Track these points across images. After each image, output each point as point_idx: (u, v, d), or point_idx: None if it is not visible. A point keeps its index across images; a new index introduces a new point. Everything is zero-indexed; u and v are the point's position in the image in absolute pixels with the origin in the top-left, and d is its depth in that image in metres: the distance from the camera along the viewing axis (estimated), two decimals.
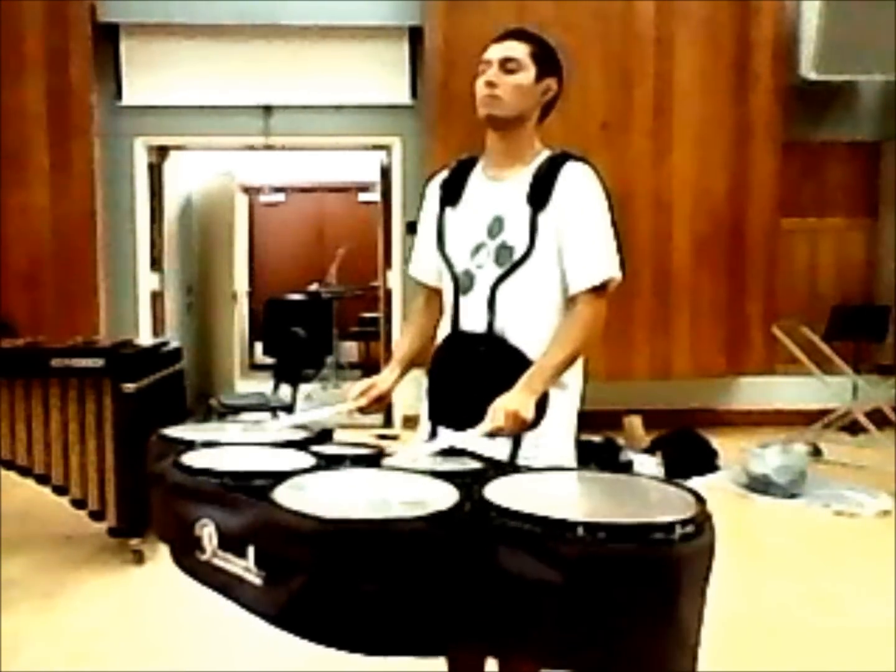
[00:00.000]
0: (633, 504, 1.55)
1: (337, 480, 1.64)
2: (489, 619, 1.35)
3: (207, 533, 1.53)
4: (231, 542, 1.49)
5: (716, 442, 5.52)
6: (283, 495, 1.46)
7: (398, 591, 1.34)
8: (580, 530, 1.28)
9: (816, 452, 5.67)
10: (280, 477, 1.55)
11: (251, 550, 1.45)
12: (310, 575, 1.36)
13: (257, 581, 1.44)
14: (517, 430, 1.85)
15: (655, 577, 1.30)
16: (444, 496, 1.46)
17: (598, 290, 1.97)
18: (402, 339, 2.25)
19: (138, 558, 3.77)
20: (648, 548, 1.28)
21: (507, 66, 2.00)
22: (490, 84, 2.00)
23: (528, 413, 1.84)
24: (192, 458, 1.69)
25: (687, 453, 5.40)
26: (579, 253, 1.97)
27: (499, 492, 1.46)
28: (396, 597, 1.34)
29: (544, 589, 1.30)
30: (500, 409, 1.83)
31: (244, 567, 1.46)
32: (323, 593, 1.36)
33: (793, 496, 4.85)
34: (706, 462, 5.34)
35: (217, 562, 1.51)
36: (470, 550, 1.35)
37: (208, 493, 1.56)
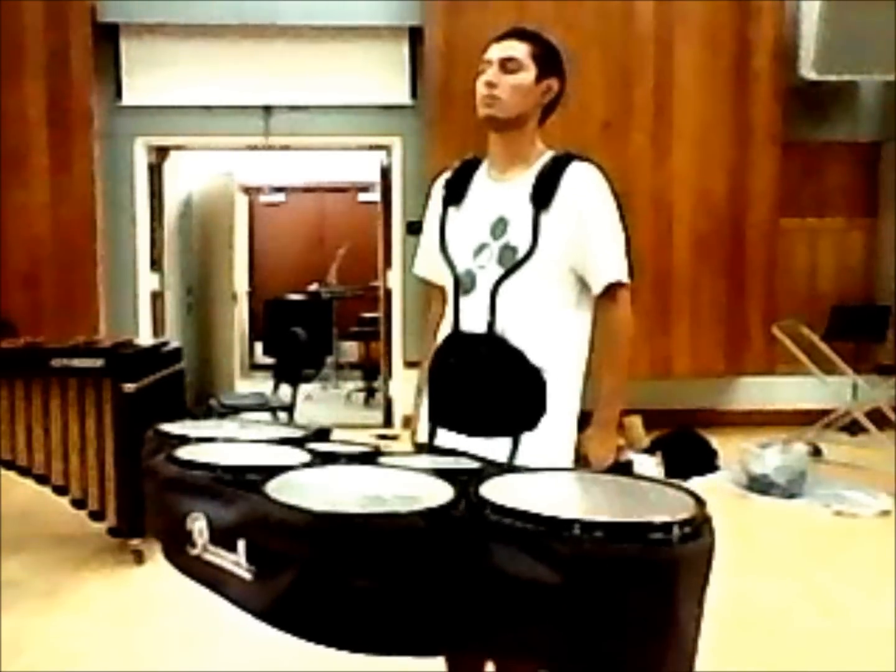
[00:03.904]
0: (630, 504, 1.54)
1: (331, 475, 1.62)
2: (483, 619, 1.33)
3: (199, 527, 1.51)
4: (222, 536, 1.48)
5: (716, 442, 5.52)
6: (276, 489, 1.44)
7: (390, 587, 1.32)
8: (576, 528, 1.27)
9: (816, 452, 5.67)
10: (274, 471, 1.54)
11: (241, 544, 1.43)
12: (300, 569, 1.34)
13: (247, 576, 1.41)
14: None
15: (652, 578, 1.28)
16: (440, 492, 1.44)
17: (623, 284, 2.00)
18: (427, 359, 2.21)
19: (138, 558, 3.78)
20: (646, 547, 1.26)
21: (507, 66, 1.99)
22: (489, 84, 1.99)
23: (613, 449, 2.01)
24: (185, 452, 1.67)
25: (687, 453, 5.40)
26: (599, 250, 1.97)
27: (495, 489, 1.44)
28: (388, 593, 1.32)
29: (539, 588, 1.28)
30: (593, 461, 1.97)
31: (234, 561, 1.44)
32: (313, 588, 1.34)
33: (793, 496, 4.85)
34: (706, 462, 5.34)
35: (208, 556, 1.50)
36: (464, 548, 1.33)
37: (201, 487, 1.55)
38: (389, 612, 1.33)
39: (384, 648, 1.38)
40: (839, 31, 5.86)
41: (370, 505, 1.43)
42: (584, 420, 2.05)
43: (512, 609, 1.31)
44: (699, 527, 1.33)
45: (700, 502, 1.42)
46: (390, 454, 1.85)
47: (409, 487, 1.52)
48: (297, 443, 1.84)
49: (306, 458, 1.70)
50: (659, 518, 1.31)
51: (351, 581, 1.31)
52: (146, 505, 1.77)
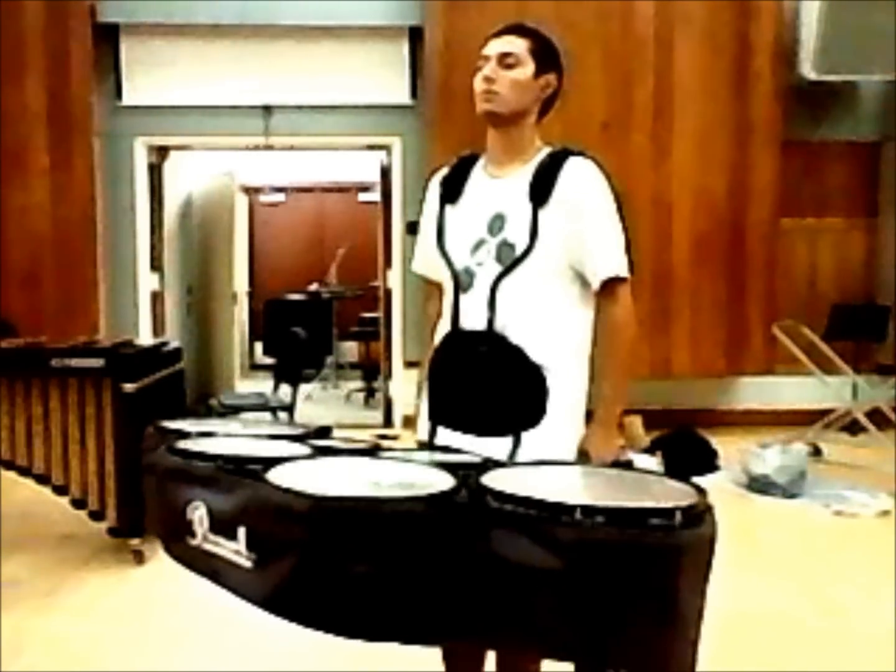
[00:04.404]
0: (632, 492, 1.54)
1: (331, 465, 1.62)
2: (484, 606, 1.32)
3: (199, 516, 1.51)
4: (222, 525, 1.47)
5: (716, 442, 5.51)
6: (277, 476, 1.44)
7: (390, 573, 1.31)
8: (577, 513, 1.26)
9: (816, 452, 5.67)
10: (275, 462, 1.54)
11: (242, 532, 1.42)
12: (300, 555, 1.34)
13: (247, 564, 1.41)
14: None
15: (654, 563, 1.27)
16: (440, 480, 1.44)
17: (622, 280, 1.98)
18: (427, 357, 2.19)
19: (138, 558, 3.77)
20: (647, 532, 1.26)
21: (505, 61, 1.98)
22: (487, 79, 1.98)
23: (616, 448, 1.98)
24: (186, 444, 1.68)
25: (687, 453, 5.40)
26: (598, 245, 1.96)
27: (496, 478, 1.44)
28: (388, 579, 1.31)
29: (540, 574, 1.27)
30: (594, 460, 1.94)
31: (234, 550, 1.43)
32: (313, 574, 1.33)
33: (793, 496, 4.85)
34: (706, 462, 5.34)
35: (208, 546, 1.49)
36: (465, 534, 1.33)
37: (201, 476, 1.54)
38: (389, 599, 1.32)
39: (384, 635, 1.37)
40: (839, 31, 5.86)
41: (370, 490, 1.42)
42: (590, 418, 2.04)
43: (513, 595, 1.30)
44: (700, 514, 1.33)
45: (701, 492, 1.41)
46: (391, 450, 1.85)
47: (409, 476, 1.52)
48: (298, 439, 1.84)
49: (307, 451, 1.70)
50: (660, 504, 1.30)
51: (351, 567, 1.31)
52: (145, 500, 1.77)
